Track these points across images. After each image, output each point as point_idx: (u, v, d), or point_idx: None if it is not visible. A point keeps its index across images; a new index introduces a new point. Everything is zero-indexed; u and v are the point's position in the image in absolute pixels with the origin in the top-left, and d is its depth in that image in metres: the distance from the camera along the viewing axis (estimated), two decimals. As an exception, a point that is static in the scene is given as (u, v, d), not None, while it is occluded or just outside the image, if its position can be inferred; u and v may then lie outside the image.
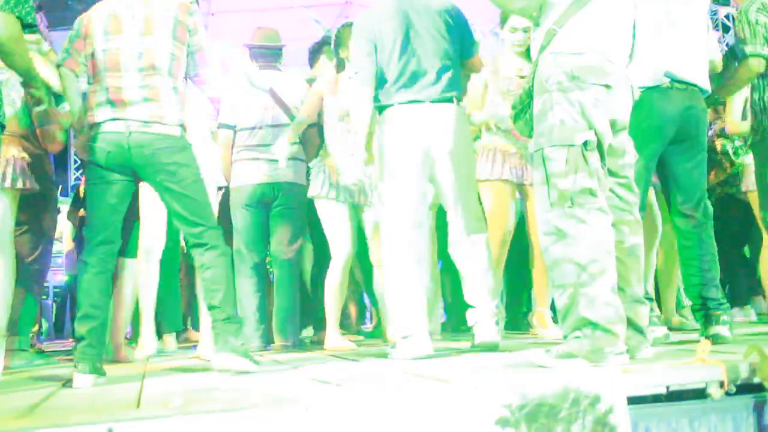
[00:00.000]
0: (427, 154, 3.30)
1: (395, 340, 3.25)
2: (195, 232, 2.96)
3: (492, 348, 3.25)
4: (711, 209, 3.29)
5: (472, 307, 3.35)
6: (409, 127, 3.29)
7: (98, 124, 2.93)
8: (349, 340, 4.30)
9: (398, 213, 3.29)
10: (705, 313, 3.18)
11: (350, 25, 4.00)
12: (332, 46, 4.39)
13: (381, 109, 3.37)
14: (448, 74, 3.34)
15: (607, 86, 2.54)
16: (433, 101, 3.30)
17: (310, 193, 4.22)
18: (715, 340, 3.03)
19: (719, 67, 3.52)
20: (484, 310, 3.31)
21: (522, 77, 4.03)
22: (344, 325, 4.77)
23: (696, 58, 3.28)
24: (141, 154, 2.90)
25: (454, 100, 3.34)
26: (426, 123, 3.28)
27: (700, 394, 2.03)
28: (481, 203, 3.50)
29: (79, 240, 4.59)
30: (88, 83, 3.03)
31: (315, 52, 5.00)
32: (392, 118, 3.32)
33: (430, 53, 3.32)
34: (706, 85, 3.31)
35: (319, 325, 4.74)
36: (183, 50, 3.03)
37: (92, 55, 2.99)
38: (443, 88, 3.32)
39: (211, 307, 2.93)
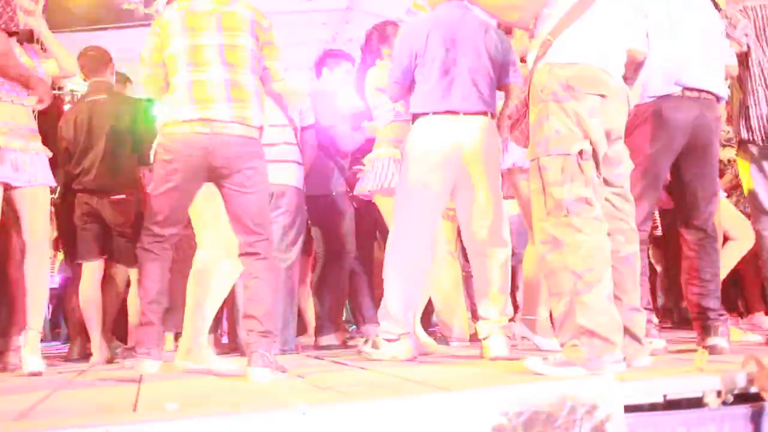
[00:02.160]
0: (455, 165, 3.33)
1: (379, 340, 3.30)
2: (252, 240, 2.93)
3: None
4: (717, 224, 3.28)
5: (483, 319, 3.38)
6: (441, 136, 3.32)
7: (180, 123, 2.92)
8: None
9: (410, 217, 3.33)
10: (703, 324, 3.17)
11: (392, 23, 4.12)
12: (373, 41, 4.32)
13: (415, 116, 3.41)
14: (485, 89, 3.38)
15: (603, 96, 2.54)
16: (466, 112, 3.33)
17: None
18: (713, 350, 3.03)
19: (735, 71, 3.47)
20: (496, 323, 3.33)
21: None
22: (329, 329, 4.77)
23: (709, 65, 3.24)
24: (223, 155, 2.90)
25: (489, 114, 3.39)
26: (458, 134, 3.32)
27: (697, 403, 2.03)
28: (504, 219, 3.48)
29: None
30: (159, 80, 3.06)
31: (319, 64, 5.01)
32: (425, 127, 3.36)
33: (469, 68, 3.36)
34: (721, 91, 3.28)
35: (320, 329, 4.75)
36: (259, 48, 3.04)
37: (170, 53, 2.99)
38: (478, 101, 3.36)
39: (249, 318, 2.87)
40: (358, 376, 2.82)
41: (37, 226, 3.48)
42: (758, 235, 3.50)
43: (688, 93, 3.18)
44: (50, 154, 3.59)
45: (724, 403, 2.03)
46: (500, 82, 3.47)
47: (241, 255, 2.96)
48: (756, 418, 2.05)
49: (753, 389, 2.06)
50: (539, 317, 4.09)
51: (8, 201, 3.40)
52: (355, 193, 4.32)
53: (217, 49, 2.95)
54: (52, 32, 3.81)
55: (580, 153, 2.48)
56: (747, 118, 3.48)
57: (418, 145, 3.35)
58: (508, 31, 3.66)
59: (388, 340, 3.27)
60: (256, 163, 2.95)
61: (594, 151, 2.52)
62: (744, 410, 2.05)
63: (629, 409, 1.94)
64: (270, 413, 1.80)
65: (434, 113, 3.34)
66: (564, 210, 2.46)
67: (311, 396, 2.23)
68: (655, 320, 3.45)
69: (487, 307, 3.37)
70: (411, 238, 3.33)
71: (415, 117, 3.42)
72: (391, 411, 1.82)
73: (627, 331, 2.56)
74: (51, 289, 8.94)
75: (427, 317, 4.85)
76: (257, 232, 2.93)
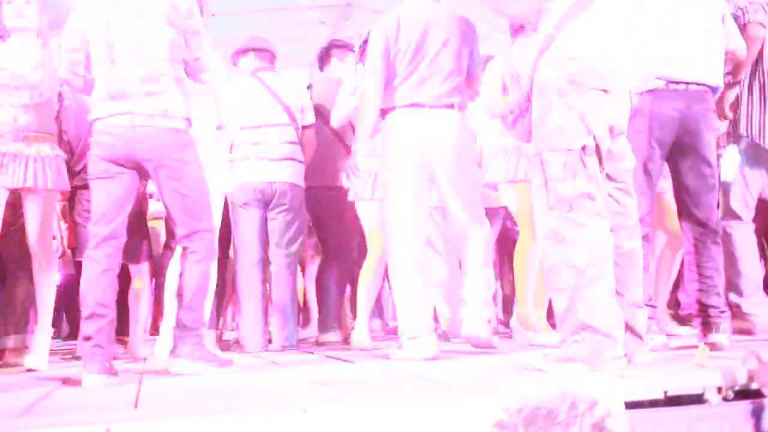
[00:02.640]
0: (425, 156, 3.34)
1: (401, 341, 3.27)
2: (184, 233, 2.95)
3: (477, 341, 3.36)
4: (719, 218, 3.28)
5: (465, 299, 3.42)
6: (408, 130, 3.34)
7: (102, 119, 2.90)
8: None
9: (399, 217, 3.34)
10: (704, 320, 3.16)
11: None
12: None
13: (385, 111, 3.41)
14: (453, 81, 3.39)
15: (606, 91, 2.54)
16: (432, 106, 3.34)
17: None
18: (713, 347, 3.02)
19: (743, 56, 3.42)
20: (474, 304, 3.38)
21: None
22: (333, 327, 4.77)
23: (700, 55, 3.20)
24: (145, 148, 2.86)
25: (455, 105, 3.39)
26: (424, 127, 3.33)
27: (698, 399, 2.03)
28: (480, 203, 3.53)
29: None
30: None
31: (324, 55, 5.00)
32: (393, 121, 3.39)
33: (438, 60, 3.37)
34: (715, 80, 3.24)
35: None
36: (179, 35, 2.97)
37: (90, 50, 2.97)
38: (445, 93, 3.37)
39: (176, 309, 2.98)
40: (360, 374, 2.82)
41: (40, 230, 3.48)
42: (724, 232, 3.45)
43: (673, 86, 3.17)
44: (64, 156, 3.60)
45: (725, 399, 2.03)
46: (469, 74, 3.48)
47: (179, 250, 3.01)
48: (757, 415, 2.05)
49: (754, 385, 2.06)
50: (530, 312, 4.11)
51: (11, 203, 3.41)
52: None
53: (133, 44, 2.90)
54: (56, 31, 3.80)
55: (583, 148, 2.48)
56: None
57: (389, 142, 3.38)
58: (520, 29, 3.65)
59: (411, 338, 3.24)
60: (182, 155, 2.91)
61: (597, 146, 2.52)
62: (745, 407, 2.05)
63: (630, 405, 1.93)
64: (270, 411, 1.80)
65: (401, 107, 3.35)
66: (566, 205, 2.46)
67: (312, 394, 2.23)
68: (659, 316, 3.45)
69: (469, 283, 3.41)
70: (406, 238, 3.33)
71: (384, 112, 3.42)
72: (392, 408, 1.82)
73: (628, 327, 2.55)
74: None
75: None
76: (190, 225, 2.94)
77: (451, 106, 3.38)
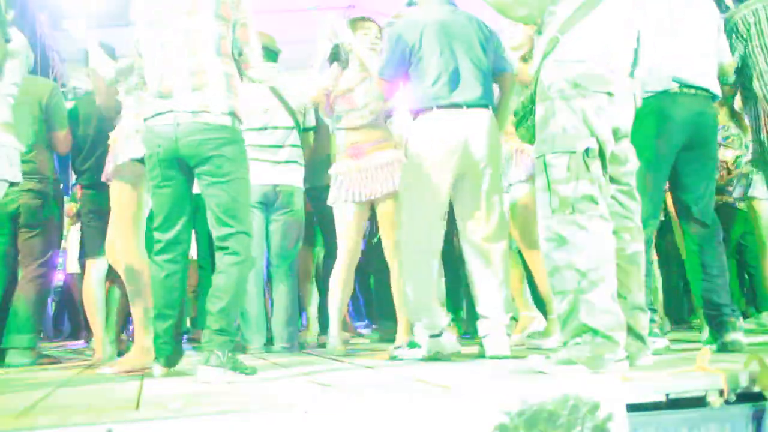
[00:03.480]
0: (459, 159, 3.32)
1: (423, 339, 3.28)
2: (222, 234, 2.83)
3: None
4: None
5: (484, 317, 3.34)
6: (446, 131, 3.33)
7: (150, 118, 2.88)
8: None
9: (419, 215, 3.32)
10: (720, 320, 3.14)
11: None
12: None
13: (417, 113, 3.42)
14: (484, 82, 3.41)
15: (610, 94, 2.54)
16: (469, 106, 3.34)
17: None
18: (733, 346, 3.01)
19: (731, 71, 3.47)
20: (496, 322, 3.30)
21: None
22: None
23: (705, 62, 3.26)
24: (188, 144, 2.80)
25: (489, 107, 3.40)
26: (463, 128, 3.33)
27: (699, 402, 2.02)
28: (504, 212, 3.49)
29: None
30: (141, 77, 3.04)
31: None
32: (429, 123, 3.36)
33: (468, 61, 3.38)
34: (717, 89, 3.29)
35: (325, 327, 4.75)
36: (229, 28, 2.91)
37: (138, 44, 2.99)
38: (480, 94, 3.37)
39: (208, 313, 2.78)
40: (362, 375, 2.82)
41: None
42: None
43: (685, 89, 3.19)
44: (21, 148, 3.57)
45: (727, 402, 2.02)
46: (495, 73, 3.49)
47: (216, 250, 2.87)
48: (758, 418, 2.04)
49: (756, 389, 2.06)
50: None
51: None
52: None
53: (182, 35, 2.86)
54: (58, 30, 3.80)
55: (587, 151, 2.48)
56: None
57: (421, 142, 3.35)
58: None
59: (433, 336, 3.25)
60: (225, 150, 2.82)
61: (600, 148, 2.52)
62: (746, 410, 2.05)
63: (631, 407, 1.93)
64: (272, 412, 1.80)
65: (438, 108, 3.34)
66: (569, 208, 2.46)
67: (314, 395, 2.23)
68: (658, 320, 3.45)
69: (487, 303, 3.34)
70: (422, 237, 3.32)
71: (417, 114, 3.42)
72: (394, 410, 1.82)
73: (630, 329, 2.55)
74: (54, 287, 8.98)
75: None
76: (227, 224, 2.82)
77: (486, 106, 3.38)
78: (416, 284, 3.32)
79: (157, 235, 2.94)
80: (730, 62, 3.46)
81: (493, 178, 3.38)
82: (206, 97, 2.81)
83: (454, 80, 3.35)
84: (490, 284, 3.34)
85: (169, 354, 2.97)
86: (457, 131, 3.32)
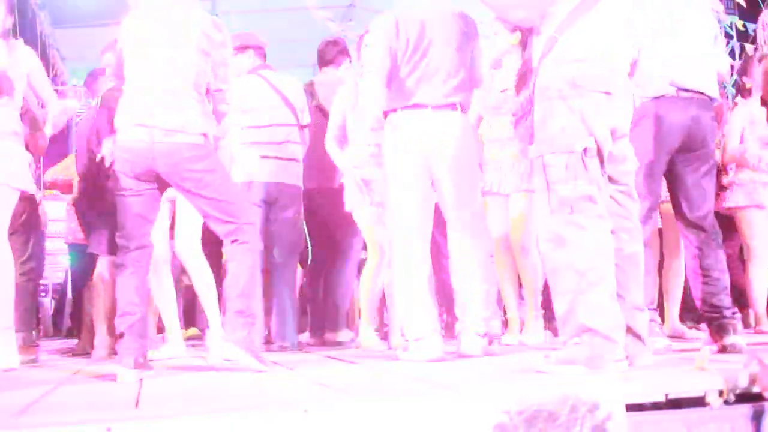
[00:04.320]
0: (427, 159, 3.28)
1: (407, 342, 3.27)
2: (229, 230, 3.00)
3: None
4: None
5: (459, 315, 3.33)
6: (411, 132, 3.27)
7: (123, 134, 2.99)
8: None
9: (402, 218, 3.30)
10: (720, 323, 3.12)
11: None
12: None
13: (386, 113, 3.36)
14: (455, 81, 3.32)
15: (608, 93, 2.54)
16: (435, 106, 3.28)
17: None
18: (733, 349, 3.00)
19: (727, 76, 3.50)
20: (470, 322, 3.27)
21: None
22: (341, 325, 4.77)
23: (702, 66, 3.25)
24: (165, 164, 2.94)
25: (458, 106, 3.32)
26: (427, 129, 3.27)
27: (698, 402, 2.02)
28: (483, 211, 3.46)
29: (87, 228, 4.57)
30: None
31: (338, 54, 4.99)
32: (395, 123, 3.32)
33: (440, 59, 3.31)
34: (714, 92, 3.28)
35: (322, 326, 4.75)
36: (207, 63, 3.05)
37: (121, 66, 3.09)
38: (448, 93, 3.30)
39: (227, 298, 2.98)
40: (360, 375, 2.82)
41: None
42: None
43: (682, 93, 3.18)
44: (27, 157, 3.59)
45: (726, 402, 2.02)
46: (473, 73, 3.42)
47: (224, 244, 3.04)
48: (757, 418, 2.05)
49: (755, 389, 2.06)
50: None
51: None
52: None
53: (162, 63, 2.99)
54: (59, 29, 3.81)
55: (585, 150, 2.48)
56: None
57: (389, 146, 3.32)
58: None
59: (417, 340, 3.22)
60: (202, 165, 2.98)
61: (599, 148, 2.52)
62: (746, 410, 2.05)
63: (631, 407, 1.93)
64: (271, 411, 1.80)
65: (402, 108, 3.29)
66: (568, 208, 2.46)
67: (313, 394, 2.23)
68: (659, 319, 3.45)
69: (463, 301, 3.31)
70: (409, 240, 3.29)
71: (385, 114, 3.37)
72: (393, 409, 1.82)
73: (629, 329, 2.55)
74: (54, 284, 8.99)
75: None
76: (231, 221, 3.00)
77: (453, 107, 3.31)
78: (403, 287, 3.31)
79: (121, 241, 3.01)
80: (727, 69, 3.48)
81: (466, 177, 3.32)
82: (182, 118, 2.95)
83: (422, 79, 3.28)
84: (466, 283, 3.30)
85: (138, 355, 2.93)
86: (421, 132, 3.26)
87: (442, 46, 3.33)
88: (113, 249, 4.24)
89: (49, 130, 3.76)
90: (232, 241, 3.00)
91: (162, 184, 3.03)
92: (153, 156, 2.93)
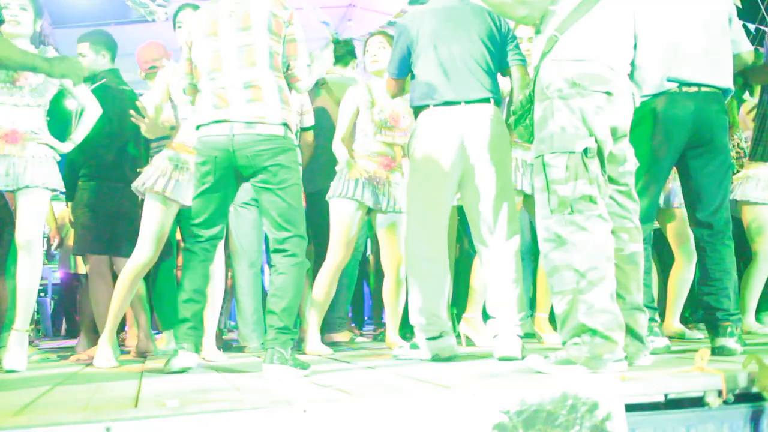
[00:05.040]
0: (461, 156, 3.23)
1: (420, 339, 3.27)
2: (280, 237, 2.95)
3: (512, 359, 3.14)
4: (729, 219, 3.20)
5: (493, 317, 3.29)
6: (444, 128, 3.23)
7: (203, 126, 2.99)
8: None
9: (424, 214, 3.26)
10: (714, 324, 3.10)
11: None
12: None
13: (416, 110, 3.35)
14: (483, 76, 3.28)
15: (608, 93, 2.54)
16: (468, 102, 3.25)
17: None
18: (721, 351, 2.98)
19: (750, 59, 3.36)
20: (507, 322, 3.21)
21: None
22: (341, 326, 4.77)
23: (711, 57, 3.16)
24: (244, 155, 2.93)
25: (491, 100, 3.28)
26: (459, 124, 3.22)
27: (698, 402, 2.03)
28: (514, 208, 3.36)
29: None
30: (192, 86, 3.15)
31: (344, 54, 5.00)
32: (427, 119, 3.28)
33: (466, 55, 3.28)
34: (726, 83, 3.19)
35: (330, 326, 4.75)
36: (280, 44, 3.03)
37: (193, 59, 3.09)
38: (477, 88, 3.26)
39: (269, 312, 2.89)
40: (361, 375, 2.82)
41: (27, 228, 3.47)
42: None
43: (685, 88, 3.13)
44: (57, 158, 3.60)
45: (725, 402, 2.03)
46: (502, 66, 3.37)
47: (272, 252, 3.00)
48: (756, 418, 2.05)
49: (754, 389, 2.06)
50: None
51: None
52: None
53: (234, 51, 2.98)
54: (58, 28, 3.81)
55: (585, 150, 2.48)
56: None
57: (420, 140, 3.28)
58: None
59: (431, 338, 3.23)
60: (280, 159, 2.94)
61: (599, 148, 2.52)
62: (745, 410, 2.06)
63: (630, 407, 1.93)
64: (270, 410, 1.80)
65: (434, 105, 3.26)
66: (568, 208, 2.46)
67: (312, 394, 2.23)
68: (658, 319, 3.44)
69: (497, 302, 3.26)
70: (427, 237, 3.26)
71: (416, 111, 3.36)
72: (393, 409, 1.82)
73: (629, 329, 2.56)
74: (53, 284, 8.98)
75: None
76: (285, 229, 2.95)
77: (487, 101, 3.26)
78: (419, 287, 3.27)
79: (197, 230, 3.07)
80: (749, 50, 3.36)
81: (500, 174, 3.25)
82: (261, 108, 2.93)
83: (451, 75, 3.26)
84: (501, 283, 3.24)
85: (198, 341, 3.06)
86: (454, 129, 3.21)
87: (470, 41, 3.30)
88: (113, 248, 4.28)
89: (79, 136, 3.76)
90: (282, 252, 2.94)
91: (240, 178, 3.03)
92: (233, 149, 2.92)
